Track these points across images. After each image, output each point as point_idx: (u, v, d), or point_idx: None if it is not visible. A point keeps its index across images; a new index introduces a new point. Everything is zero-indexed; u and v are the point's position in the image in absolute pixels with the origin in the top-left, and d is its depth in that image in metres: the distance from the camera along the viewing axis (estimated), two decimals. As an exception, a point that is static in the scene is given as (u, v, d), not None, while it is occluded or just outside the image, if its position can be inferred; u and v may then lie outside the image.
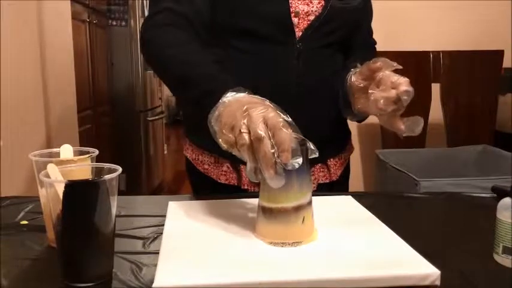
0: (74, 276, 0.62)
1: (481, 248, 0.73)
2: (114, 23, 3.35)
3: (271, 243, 0.71)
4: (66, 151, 0.77)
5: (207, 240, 0.72)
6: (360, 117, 1.03)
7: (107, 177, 0.61)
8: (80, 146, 0.83)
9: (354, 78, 0.96)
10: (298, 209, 0.71)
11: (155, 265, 0.64)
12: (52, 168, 0.65)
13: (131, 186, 3.31)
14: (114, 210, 0.63)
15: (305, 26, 1.00)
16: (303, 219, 0.72)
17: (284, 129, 0.65)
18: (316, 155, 0.71)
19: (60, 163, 0.69)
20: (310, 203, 0.73)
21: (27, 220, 0.86)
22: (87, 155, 0.76)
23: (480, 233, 0.80)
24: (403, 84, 0.84)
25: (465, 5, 2.44)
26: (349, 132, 1.19)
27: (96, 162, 0.74)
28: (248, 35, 0.99)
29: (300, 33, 1.00)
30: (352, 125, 1.18)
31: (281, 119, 0.66)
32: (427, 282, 0.61)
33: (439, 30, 2.46)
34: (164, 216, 0.83)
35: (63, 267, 0.63)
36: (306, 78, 1.01)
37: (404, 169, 1.82)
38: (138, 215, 0.89)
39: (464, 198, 1.03)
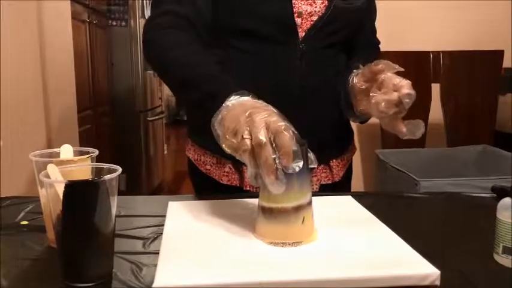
0: (74, 277, 0.62)
1: (481, 248, 0.73)
2: (114, 23, 3.35)
3: (271, 243, 0.71)
4: (66, 151, 0.77)
5: (207, 240, 0.72)
6: (362, 119, 1.03)
7: (107, 177, 0.61)
8: (80, 146, 0.83)
9: (356, 80, 0.96)
10: (298, 209, 0.71)
11: (155, 265, 0.64)
12: (52, 169, 0.65)
13: (131, 186, 3.31)
14: (114, 211, 0.63)
15: (308, 26, 1.00)
16: (303, 220, 0.72)
17: (285, 133, 0.65)
18: (315, 165, 0.71)
19: (60, 163, 0.69)
20: (310, 203, 0.73)
21: (27, 220, 0.86)
22: (87, 155, 0.76)
23: (480, 233, 0.80)
24: (405, 87, 0.84)
25: (465, 5, 2.44)
26: (351, 133, 1.18)
27: (96, 162, 0.74)
28: (250, 35, 0.99)
29: (303, 34, 1.00)
30: (352, 125, 1.18)
31: (283, 123, 0.66)
32: (427, 282, 0.61)
33: (439, 30, 2.46)
34: (164, 216, 0.83)
35: (63, 267, 0.63)
36: (308, 79, 1.01)
37: (404, 169, 1.82)
38: (138, 215, 0.88)
39: (464, 198, 1.03)
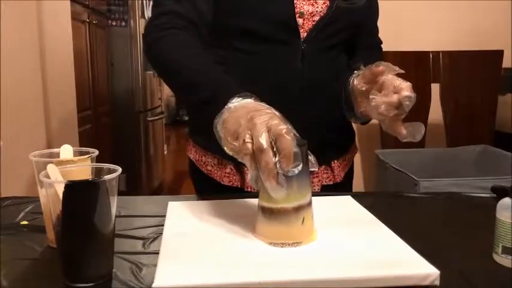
0: (74, 277, 0.62)
1: (480, 248, 0.73)
2: (114, 23, 3.35)
3: (271, 243, 0.71)
4: (66, 151, 0.77)
5: (206, 241, 0.72)
6: (363, 120, 1.02)
7: (107, 177, 0.61)
8: (80, 146, 0.83)
9: (356, 81, 0.96)
10: (298, 209, 0.71)
11: (155, 265, 0.64)
12: (52, 169, 0.65)
13: (131, 186, 3.31)
14: (114, 211, 0.63)
15: (310, 26, 1.00)
16: (303, 220, 0.72)
17: (286, 136, 0.65)
18: (316, 168, 0.71)
19: (60, 163, 0.69)
20: (310, 203, 0.73)
21: (27, 220, 0.86)
22: (87, 156, 0.76)
23: (480, 233, 0.80)
24: (405, 89, 0.84)
25: (465, 5, 2.44)
26: (353, 133, 1.18)
27: (96, 162, 0.74)
28: (251, 35, 0.99)
29: (305, 34, 1.00)
30: (353, 125, 1.18)
31: (284, 126, 0.66)
32: (426, 282, 0.61)
33: (439, 30, 2.46)
34: (164, 216, 0.83)
35: (63, 267, 0.63)
36: (310, 80, 1.01)
37: (404, 169, 1.82)
38: (138, 215, 0.88)
39: (463, 198, 1.03)
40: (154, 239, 0.77)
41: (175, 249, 0.69)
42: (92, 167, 0.69)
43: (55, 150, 0.78)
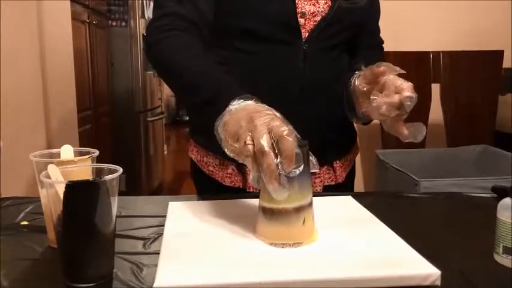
0: (74, 277, 0.62)
1: (481, 248, 0.73)
2: (114, 23, 3.35)
3: (271, 244, 0.71)
4: (67, 152, 0.77)
5: (207, 241, 0.72)
6: (365, 120, 1.02)
7: (107, 177, 0.61)
8: (80, 146, 0.83)
9: (358, 81, 0.96)
10: (299, 210, 0.71)
11: (156, 265, 0.64)
12: (52, 169, 0.65)
13: (131, 186, 3.31)
14: (114, 211, 0.63)
15: (311, 26, 0.99)
16: (304, 220, 0.72)
17: (288, 137, 0.65)
18: (317, 169, 0.71)
19: (60, 164, 0.69)
20: (310, 204, 0.73)
21: (27, 221, 0.86)
22: (88, 156, 0.76)
23: (480, 233, 0.80)
24: (406, 89, 0.84)
25: (465, 5, 2.44)
26: (354, 134, 1.18)
27: (96, 162, 0.74)
28: (253, 35, 0.99)
29: (306, 34, 1.00)
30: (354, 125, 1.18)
31: (286, 128, 0.66)
32: (427, 283, 0.61)
33: (439, 30, 2.46)
34: (164, 216, 0.83)
35: (64, 267, 0.63)
36: (311, 80, 1.01)
37: (404, 169, 1.81)
38: (139, 215, 0.88)
39: (464, 198, 1.03)
40: (155, 239, 0.77)
41: (176, 250, 0.69)
42: (93, 167, 0.69)
43: (55, 150, 0.78)
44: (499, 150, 2.09)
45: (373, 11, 1.12)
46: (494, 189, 0.99)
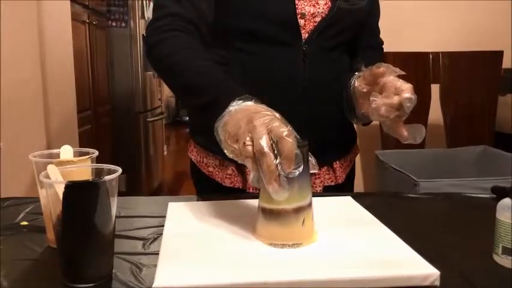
0: (74, 277, 0.62)
1: (480, 249, 0.73)
2: (114, 24, 3.35)
3: (271, 244, 0.71)
4: (66, 152, 0.77)
5: (206, 241, 0.72)
6: (365, 121, 1.02)
7: (107, 178, 0.61)
8: (80, 146, 0.83)
9: (358, 83, 0.96)
10: (298, 210, 0.71)
11: (155, 266, 0.64)
12: (52, 169, 0.65)
13: (131, 187, 3.31)
14: (114, 211, 0.63)
15: (311, 27, 0.99)
16: (303, 221, 0.72)
17: (287, 138, 0.65)
18: (316, 170, 0.71)
19: (60, 164, 0.69)
20: (310, 204, 0.73)
21: (27, 221, 0.86)
22: (87, 156, 0.76)
23: (480, 233, 0.80)
24: (406, 90, 0.83)
25: (464, 6, 2.44)
26: (354, 134, 1.18)
27: (96, 163, 0.74)
28: (253, 36, 0.99)
29: (306, 35, 1.00)
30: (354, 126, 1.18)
31: (285, 129, 0.66)
32: (426, 283, 0.61)
33: (439, 30, 2.46)
34: (164, 217, 0.83)
35: (63, 267, 0.63)
36: (311, 81, 1.01)
37: (403, 170, 1.81)
38: (138, 215, 0.88)
39: (463, 198, 1.03)
40: (155, 239, 0.77)
41: (175, 250, 0.69)
42: (92, 168, 0.69)
43: (55, 150, 0.78)
44: (498, 151, 2.09)
45: (373, 12, 1.12)
46: (493, 190, 0.99)
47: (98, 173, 0.67)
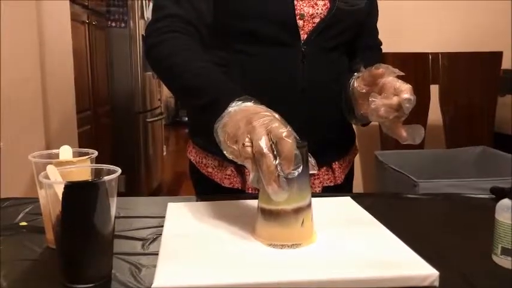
0: (73, 277, 0.62)
1: (480, 249, 0.73)
2: (114, 24, 3.35)
3: (270, 244, 0.71)
4: (66, 152, 0.77)
5: (206, 241, 0.72)
6: (364, 122, 1.02)
7: (106, 178, 0.61)
8: (79, 147, 0.83)
9: (357, 83, 0.96)
10: (297, 211, 0.71)
11: (154, 266, 0.64)
12: (51, 170, 0.65)
13: (130, 187, 3.31)
14: (113, 211, 0.63)
15: (310, 28, 1.00)
16: (303, 222, 0.72)
17: (287, 139, 0.65)
18: (315, 171, 0.71)
19: (59, 164, 0.69)
20: (309, 205, 0.73)
21: (26, 221, 0.86)
22: (87, 156, 0.76)
23: (479, 234, 0.80)
24: (405, 91, 0.84)
25: (464, 6, 2.44)
26: (353, 135, 1.18)
27: (96, 163, 0.74)
28: (252, 36, 0.99)
29: (305, 36, 1.00)
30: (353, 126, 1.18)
31: (285, 129, 0.66)
32: (426, 283, 0.61)
33: (438, 31, 2.46)
34: (163, 217, 0.83)
35: (63, 268, 0.63)
36: (310, 81, 1.01)
37: (403, 170, 1.82)
38: (138, 216, 0.88)
39: (463, 199, 1.03)
40: (154, 240, 0.77)
41: (175, 250, 0.69)
42: (92, 168, 0.69)
43: (54, 151, 0.78)
44: (498, 152, 2.09)
45: (372, 12, 1.12)
46: (493, 191, 0.99)
47: (98, 173, 0.67)
